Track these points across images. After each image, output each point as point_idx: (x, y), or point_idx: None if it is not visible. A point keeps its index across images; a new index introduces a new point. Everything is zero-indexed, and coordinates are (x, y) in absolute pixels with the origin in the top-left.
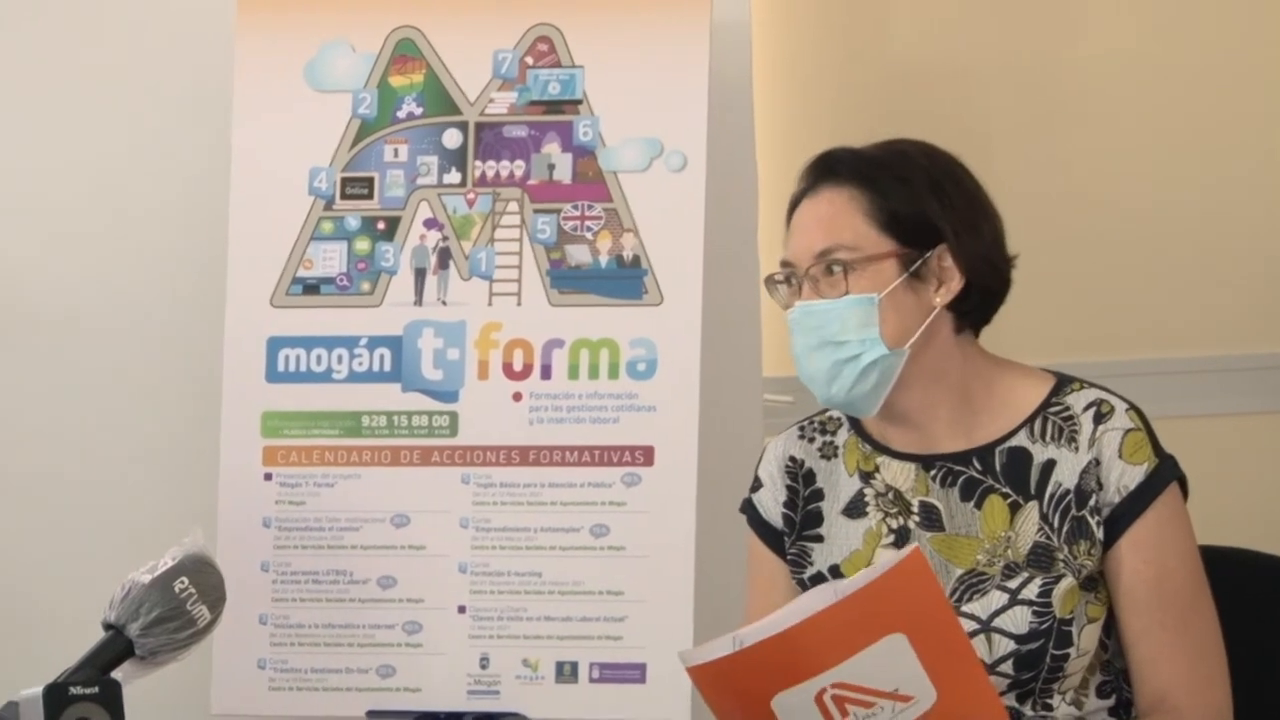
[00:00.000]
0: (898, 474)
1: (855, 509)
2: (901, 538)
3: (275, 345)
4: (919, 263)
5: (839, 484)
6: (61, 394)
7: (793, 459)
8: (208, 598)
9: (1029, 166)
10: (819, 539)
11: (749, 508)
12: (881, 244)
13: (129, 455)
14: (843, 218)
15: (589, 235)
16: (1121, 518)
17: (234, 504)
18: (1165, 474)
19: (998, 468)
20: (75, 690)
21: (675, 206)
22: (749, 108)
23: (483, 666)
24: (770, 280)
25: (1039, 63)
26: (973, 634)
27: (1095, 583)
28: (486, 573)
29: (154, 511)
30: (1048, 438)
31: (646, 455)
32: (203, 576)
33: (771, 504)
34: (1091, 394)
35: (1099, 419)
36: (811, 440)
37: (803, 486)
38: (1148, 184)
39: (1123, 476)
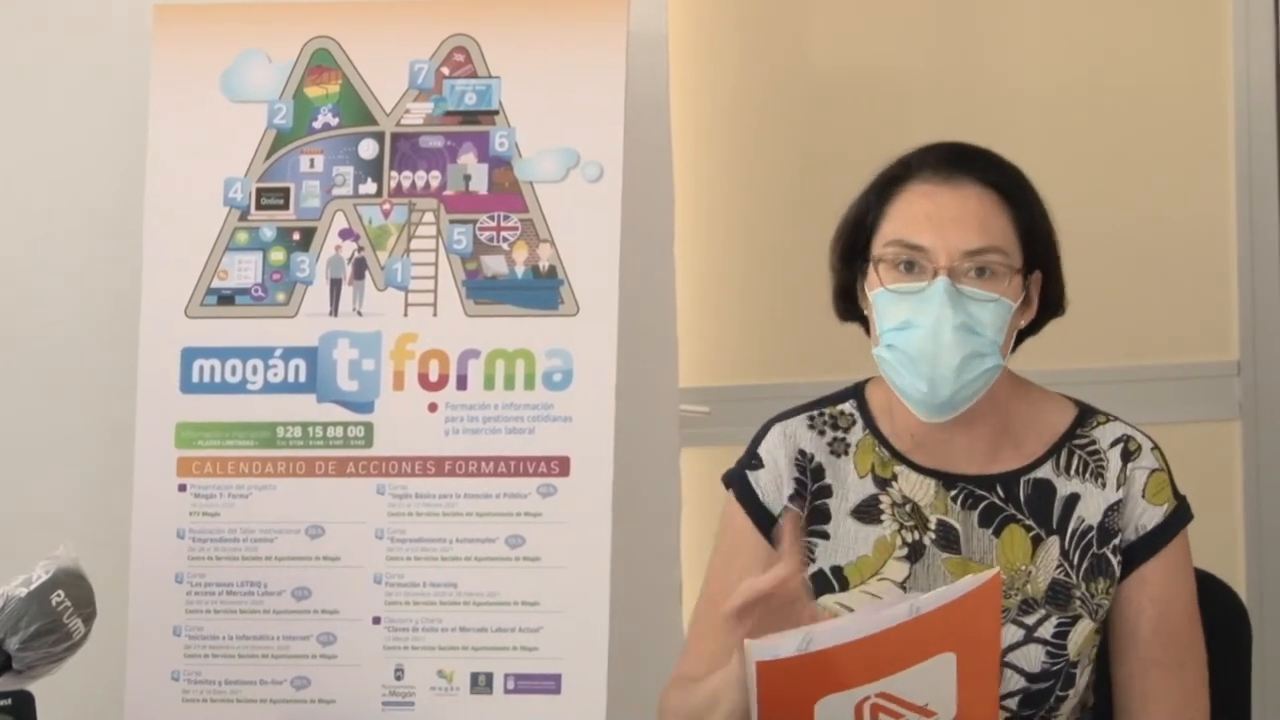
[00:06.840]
0: (916, 487)
1: (868, 513)
2: (916, 553)
3: (190, 356)
4: (1028, 283)
5: (847, 483)
6: None
7: (802, 453)
8: (82, 611)
9: None
10: (825, 535)
11: (742, 484)
12: (1019, 258)
13: (41, 466)
14: (996, 221)
15: (505, 246)
16: (1135, 556)
17: (148, 515)
18: (1182, 516)
19: (1021, 498)
20: None
21: (591, 217)
22: (665, 118)
23: (397, 678)
24: (881, 260)
25: (958, 73)
26: None
27: (1104, 624)
28: (401, 584)
29: (67, 523)
30: (1073, 471)
31: (562, 466)
32: (77, 590)
33: (773, 490)
34: (1117, 429)
35: (1127, 456)
36: (822, 434)
37: (811, 481)
38: (1070, 194)
39: (1143, 515)
